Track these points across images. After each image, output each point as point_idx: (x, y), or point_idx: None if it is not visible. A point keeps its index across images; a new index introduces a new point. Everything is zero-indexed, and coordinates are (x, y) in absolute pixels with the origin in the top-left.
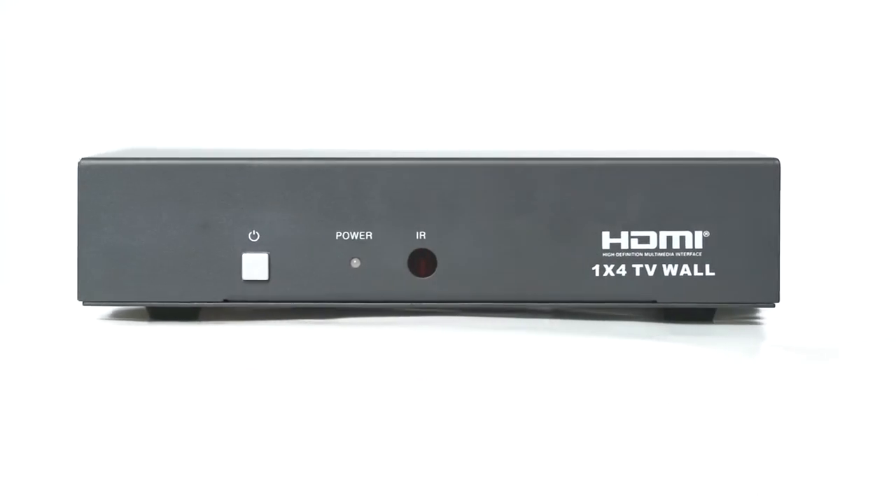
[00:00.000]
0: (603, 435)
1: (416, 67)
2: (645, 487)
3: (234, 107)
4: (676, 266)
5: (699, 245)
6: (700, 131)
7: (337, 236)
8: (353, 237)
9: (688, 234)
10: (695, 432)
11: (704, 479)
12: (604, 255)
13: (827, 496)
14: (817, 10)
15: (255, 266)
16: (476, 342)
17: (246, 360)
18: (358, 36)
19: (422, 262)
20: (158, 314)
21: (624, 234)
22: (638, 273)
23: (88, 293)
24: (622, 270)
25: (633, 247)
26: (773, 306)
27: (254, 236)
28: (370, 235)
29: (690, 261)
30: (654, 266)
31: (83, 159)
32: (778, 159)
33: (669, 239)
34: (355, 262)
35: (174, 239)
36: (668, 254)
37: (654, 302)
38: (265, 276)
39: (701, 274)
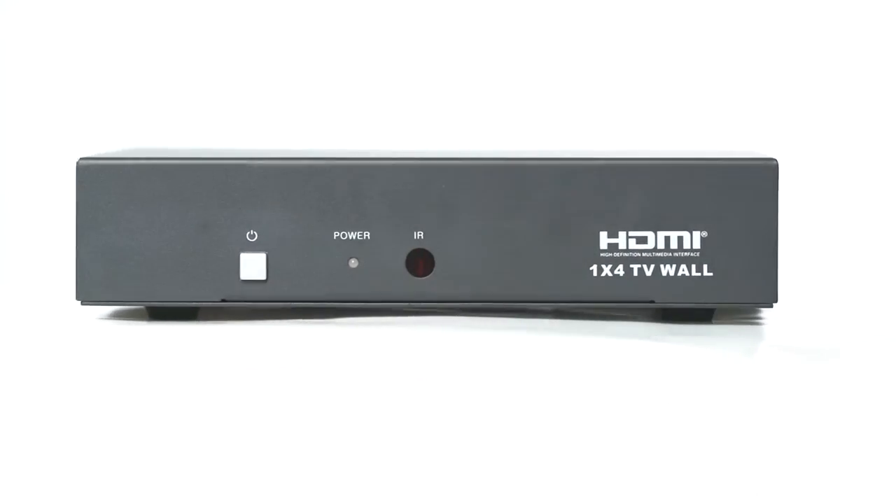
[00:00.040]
0: (600, 435)
1: (415, 68)
2: (642, 487)
3: (233, 107)
4: (674, 266)
5: (697, 245)
6: (698, 131)
7: (335, 236)
8: (350, 237)
9: (686, 235)
10: (691, 433)
11: (701, 479)
12: (601, 255)
13: (825, 496)
14: (815, 10)
15: (252, 266)
16: (474, 342)
17: (243, 361)
18: (356, 36)
19: (419, 262)
20: (157, 314)
21: (622, 234)
22: (636, 273)
23: (87, 293)
24: (620, 270)
25: (630, 247)
26: (771, 307)
27: (252, 236)
28: (368, 235)
29: (688, 261)
30: (652, 266)
31: (81, 159)
32: (776, 159)
33: (667, 239)
34: (353, 262)
35: (172, 239)
36: (665, 254)
37: (652, 302)
38: (263, 276)
39: (699, 274)
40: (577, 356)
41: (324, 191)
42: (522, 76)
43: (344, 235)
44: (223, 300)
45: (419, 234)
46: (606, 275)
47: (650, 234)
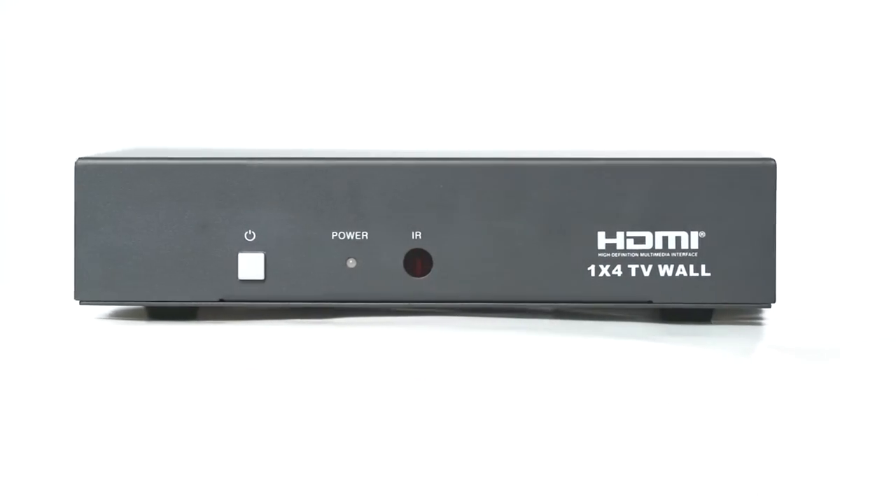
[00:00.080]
0: (597, 435)
1: (412, 68)
2: (640, 487)
3: (231, 107)
4: (672, 266)
5: (695, 245)
6: (696, 131)
7: (333, 236)
8: (348, 237)
9: (683, 235)
10: (688, 433)
11: (698, 479)
12: (599, 255)
13: (823, 496)
14: (813, 9)
15: (251, 266)
16: (472, 342)
17: (241, 361)
18: (354, 36)
19: (417, 262)
20: (156, 314)
21: (620, 234)
22: (634, 273)
23: (85, 292)
24: (618, 271)
25: (628, 247)
26: (769, 307)
27: (250, 236)
28: (366, 235)
29: (686, 261)
30: (650, 266)
31: (80, 159)
32: (774, 159)
33: (665, 239)
34: (351, 262)
35: (171, 238)
36: (663, 254)
37: (650, 302)
38: (261, 276)
39: (697, 274)
40: (575, 356)
41: (322, 191)
42: (521, 76)
43: (342, 235)
44: (221, 300)
45: (417, 234)
46: (604, 275)
47: (648, 235)
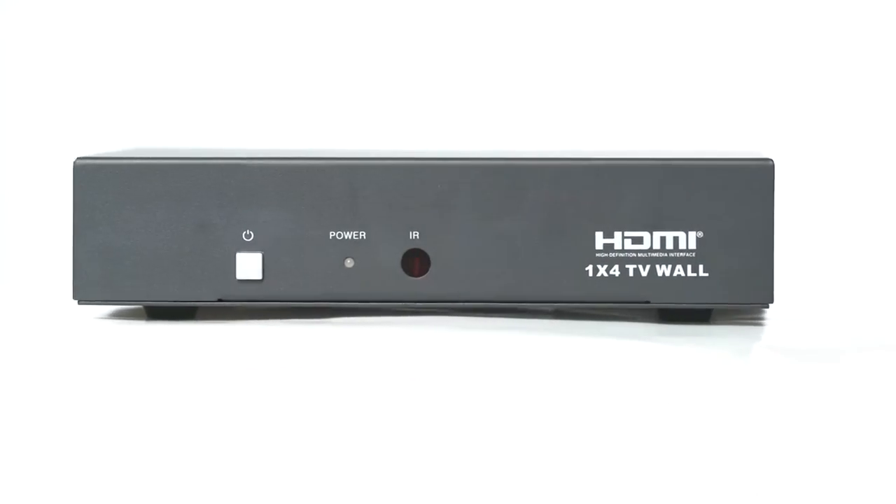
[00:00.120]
0: (594, 436)
1: (410, 68)
2: (637, 487)
3: (229, 107)
4: (670, 266)
5: (693, 245)
6: (694, 131)
7: (330, 236)
8: (346, 237)
9: (681, 235)
10: (684, 433)
11: (695, 479)
12: (597, 255)
13: (820, 497)
14: (811, 9)
15: (249, 266)
16: (469, 342)
17: (239, 361)
18: (352, 36)
19: (415, 261)
20: (155, 313)
21: (617, 234)
22: (631, 273)
23: (84, 292)
24: (615, 271)
25: (626, 247)
26: (767, 307)
27: (248, 236)
28: (364, 235)
29: (684, 261)
30: (648, 266)
31: (78, 159)
32: (772, 160)
33: (663, 239)
34: (349, 262)
35: (169, 238)
36: (661, 254)
37: (648, 302)
38: (259, 276)
39: (695, 274)
40: (572, 357)
41: (320, 191)
42: (518, 76)
43: (340, 235)
44: (219, 300)
45: (415, 234)
46: (602, 275)
47: (646, 235)
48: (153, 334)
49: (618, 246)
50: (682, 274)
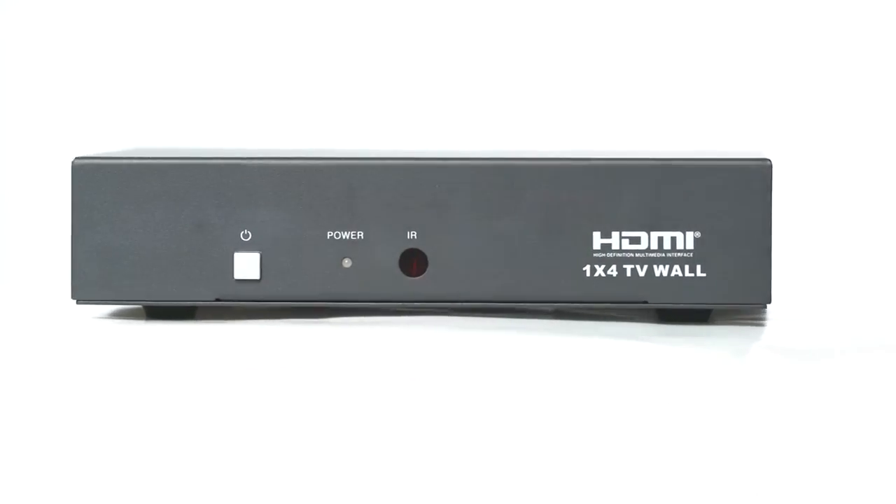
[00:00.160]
0: (591, 436)
1: (408, 68)
2: (636, 487)
3: (227, 107)
4: (667, 266)
5: (690, 246)
6: (691, 131)
7: (328, 236)
8: (344, 237)
9: (679, 235)
10: (682, 433)
11: (693, 479)
12: (595, 255)
13: (816, 496)
14: (808, 9)
15: (246, 265)
16: (467, 342)
17: (236, 360)
18: (350, 36)
19: (413, 261)
20: (155, 313)
21: (615, 234)
22: (629, 273)
23: (82, 292)
24: (613, 271)
25: (624, 247)
26: (765, 307)
27: (245, 236)
28: (361, 235)
29: (682, 261)
30: (646, 267)
31: (77, 158)
32: (770, 160)
33: (660, 239)
34: (346, 262)
35: (167, 238)
36: (659, 254)
37: (646, 302)
38: (257, 276)
39: (692, 274)
40: (570, 357)
41: (317, 190)
42: (516, 76)
43: (337, 235)
44: (217, 299)
45: (412, 234)
46: (599, 275)
47: (643, 235)
48: (151, 334)
49: (615, 246)
50: (680, 274)
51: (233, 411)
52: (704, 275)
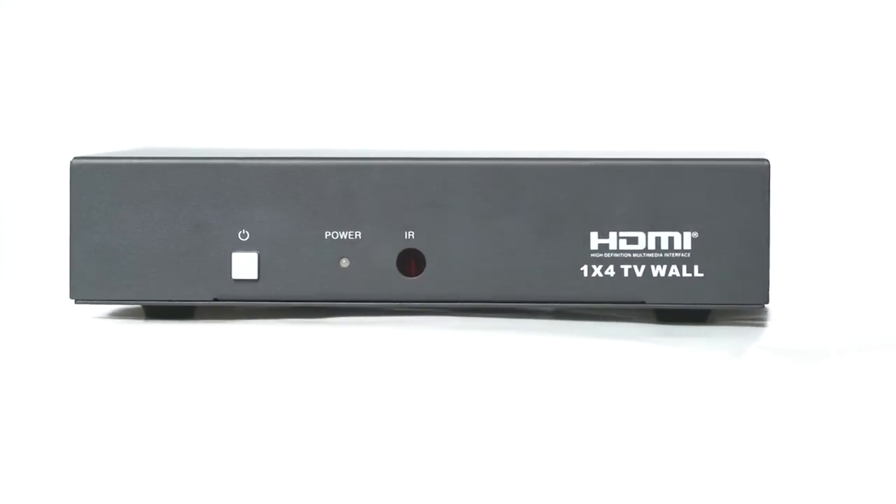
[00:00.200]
0: (590, 436)
1: (406, 68)
2: (634, 487)
3: (225, 107)
4: (665, 267)
5: (688, 246)
6: (689, 131)
7: (326, 236)
8: (342, 237)
9: (676, 235)
10: (680, 433)
11: (692, 479)
12: (592, 255)
13: (814, 496)
14: (807, 9)
15: (244, 265)
16: (465, 342)
17: (234, 360)
18: (349, 36)
19: (411, 261)
20: (153, 313)
21: (612, 234)
22: (626, 274)
23: (80, 291)
24: (611, 271)
25: (621, 247)
26: (763, 307)
27: (243, 235)
28: (359, 235)
29: (679, 261)
30: (643, 267)
31: (75, 158)
32: (767, 160)
33: (658, 240)
34: (344, 262)
35: (165, 238)
36: (656, 254)
37: (643, 303)
38: (255, 276)
39: (690, 275)
40: (568, 357)
41: (315, 190)
42: (514, 76)
43: (335, 235)
44: (215, 299)
45: (410, 234)
46: (597, 275)
47: (641, 235)
48: (150, 334)
49: (613, 246)
50: (678, 274)
51: (232, 411)
52: (702, 275)
